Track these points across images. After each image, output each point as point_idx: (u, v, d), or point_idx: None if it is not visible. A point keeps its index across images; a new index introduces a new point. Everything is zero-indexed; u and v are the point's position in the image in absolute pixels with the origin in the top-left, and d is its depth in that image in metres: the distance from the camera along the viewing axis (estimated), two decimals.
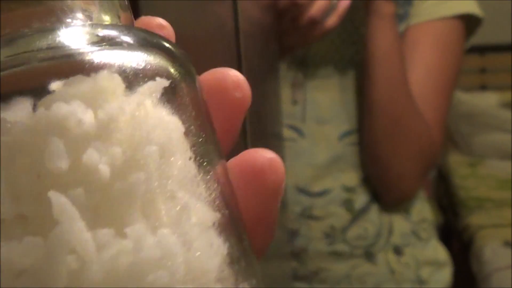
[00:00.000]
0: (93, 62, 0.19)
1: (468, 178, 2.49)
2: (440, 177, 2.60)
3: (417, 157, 1.08)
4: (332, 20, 1.00)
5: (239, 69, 0.70)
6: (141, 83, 0.20)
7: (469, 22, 1.10)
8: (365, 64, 1.05)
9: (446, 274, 1.16)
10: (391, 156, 1.07)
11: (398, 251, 1.12)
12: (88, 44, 0.20)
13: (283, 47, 1.05)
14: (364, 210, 1.11)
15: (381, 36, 1.02)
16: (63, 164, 0.18)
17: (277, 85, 1.08)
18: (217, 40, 0.71)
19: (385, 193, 1.11)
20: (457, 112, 2.63)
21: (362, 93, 1.08)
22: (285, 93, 1.10)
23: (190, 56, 0.22)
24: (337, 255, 1.10)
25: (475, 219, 2.19)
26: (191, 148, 0.21)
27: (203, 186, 0.21)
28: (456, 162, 2.62)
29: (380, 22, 1.02)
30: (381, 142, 1.07)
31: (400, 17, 1.08)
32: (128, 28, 0.22)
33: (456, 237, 2.21)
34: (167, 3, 0.68)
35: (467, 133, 2.70)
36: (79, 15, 0.21)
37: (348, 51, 1.10)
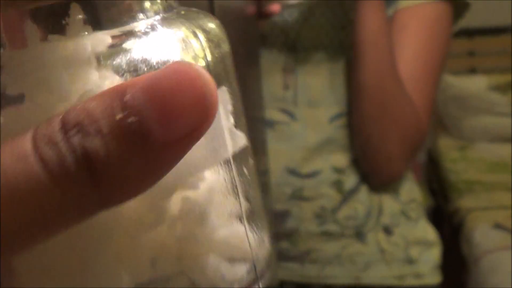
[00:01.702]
0: None
1: (458, 162, 2.51)
2: (430, 161, 2.61)
3: (405, 139, 1.09)
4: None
5: None
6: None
7: (458, 6, 1.11)
8: (354, 48, 1.06)
9: (435, 253, 1.17)
10: (379, 138, 1.08)
11: (387, 230, 1.13)
12: None
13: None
14: (353, 191, 1.12)
15: (369, 20, 1.03)
16: None
17: (258, 70, 1.09)
18: None
19: (373, 175, 1.13)
20: (446, 95, 2.64)
21: (351, 76, 1.09)
22: (277, 78, 1.11)
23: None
24: (328, 235, 1.12)
25: (465, 202, 2.21)
26: None
27: None
28: (446, 146, 2.64)
29: (368, 6, 1.03)
30: (369, 125, 1.08)
31: (389, 1, 1.09)
32: None
33: (446, 220, 2.22)
34: None
35: (456, 116, 2.71)
36: None
37: (338, 35, 1.11)
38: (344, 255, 1.12)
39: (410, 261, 1.14)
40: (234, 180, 0.23)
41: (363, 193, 1.13)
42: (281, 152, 1.10)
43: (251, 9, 0.99)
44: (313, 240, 1.12)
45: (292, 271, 1.12)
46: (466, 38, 2.87)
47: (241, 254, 0.22)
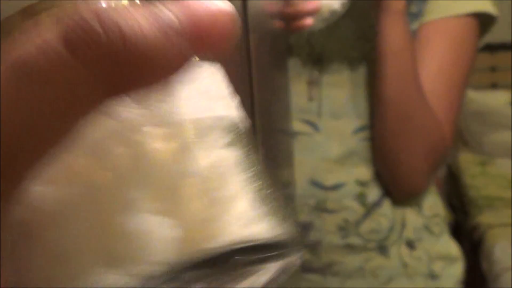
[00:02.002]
0: None
1: (478, 177, 2.49)
2: (450, 176, 2.60)
3: (427, 153, 1.09)
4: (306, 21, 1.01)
5: (249, 66, 0.71)
6: None
7: (483, 20, 1.11)
8: (376, 60, 1.06)
9: (458, 269, 1.17)
10: (400, 151, 1.08)
11: (410, 245, 1.13)
12: None
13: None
14: (377, 204, 1.12)
15: (392, 32, 1.03)
16: None
17: (286, 81, 1.09)
18: None
19: (395, 188, 1.12)
20: (467, 110, 2.63)
21: (373, 89, 1.09)
22: (301, 90, 1.11)
23: None
24: (351, 248, 1.11)
25: (485, 218, 2.20)
26: None
27: None
28: (466, 161, 2.62)
29: (391, 18, 1.03)
30: (390, 137, 1.08)
31: (414, 15, 1.09)
32: None
33: (466, 236, 2.21)
34: None
35: (477, 131, 2.70)
36: None
37: (363, 48, 1.11)
38: (366, 268, 1.11)
39: (433, 276, 1.14)
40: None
41: (387, 207, 1.12)
42: (304, 163, 1.10)
43: (279, 23, 0.99)
44: (335, 253, 1.11)
45: (314, 283, 1.12)
46: (487, 53, 2.86)
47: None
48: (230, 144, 0.23)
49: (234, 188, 0.22)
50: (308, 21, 0.99)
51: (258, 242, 0.21)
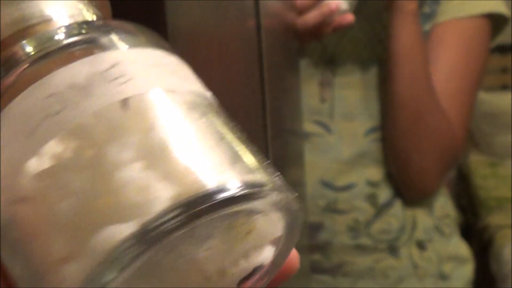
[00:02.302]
0: None
1: (488, 178, 2.48)
2: (460, 177, 2.59)
3: (438, 154, 1.09)
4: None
5: (260, 66, 0.71)
6: None
7: (496, 21, 1.11)
8: (388, 61, 1.06)
9: (468, 270, 1.16)
10: (411, 152, 1.08)
11: (421, 246, 1.13)
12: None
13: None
14: (388, 205, 1.12)
15: (403, 33, 1.03)
16: None
17: (297, 82, 1.09)
18: (238, 37, 0.72)
19: (406, 189, 1.12)
20: (478, 111, 2.60)
21: (385, 89, 1.09)
22: (313, 91, 1.11)
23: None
24: (361, 249, 1.11)
25: (495, 219, 2.18)
26: None
27: None
28: (477, 162, 2.61)
29: (402, 19, 1.03)
30: (402, 138, 1.08)
31: (427, 16, 1.09)
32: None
33: (475, 237, 2.20)
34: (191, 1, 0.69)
35: (488, 133, 2.68)
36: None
37: (376, 49, 1.11)
38: (376, 269, 1.11)
39: (443, 277, 1.14)
40: None
41: (397, 207, 1.12)
42: (315, 164, 1.10)
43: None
44: (346, 253, 1.11)
45: (324, 283, 1.12)
46: (498, 54, 2.84)
47: None
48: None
49: (210, 140, 0.23)
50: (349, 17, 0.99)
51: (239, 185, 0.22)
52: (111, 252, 0.20)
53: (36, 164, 0.21)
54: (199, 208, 0.21)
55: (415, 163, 1.09)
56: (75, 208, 0.21)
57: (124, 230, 0.20)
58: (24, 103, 0.22)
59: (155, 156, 0.22)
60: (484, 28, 1.09)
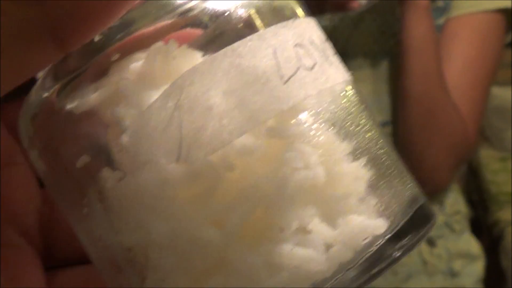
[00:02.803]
0: None
1: (499, 173, 2.46)
2: (471, 172, 2.57)
3: (451, 149, 1.08)
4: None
5: None
6: None
7: (509, 17, 1.10)
8: (400, 55, 1.05)
9: (478, 267, 1.16)
10: (424, 147, 1.07)
11: (431, 242, 1.12)
12: None
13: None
14: None
15: (416, 27, 1.02)
16: None
17: None
18: None
19: (418, 184, 1.11)
20: (489, 106, 2.59)
21: (397, 83, 1.08)
22: None
23: None
24: None
25: (505, 215, 2.17)
26: None
27: None
28: (487, 157, 2.59)
29: (415, 13, 1.02)
30: (414, 134, 1.07)
31: (441, 10, 1.08)
32: None
33: (486, 232, 2.19)
34: None
35: (498, 127, 2.66)
36: None
37: (388, 42, 1.10)
38: None
39: (453, 273, 1.13)
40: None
41: None
42: None
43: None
44: None
45: None
46: (510, 48, 2.83)
47: None
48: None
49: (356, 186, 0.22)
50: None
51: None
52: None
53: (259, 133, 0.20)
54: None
55: (427, 158, 1.08)
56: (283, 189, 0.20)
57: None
58: (273, 42, 0.21)
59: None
60: (499, 23, 1.08)
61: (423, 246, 1.11)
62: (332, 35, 1.09)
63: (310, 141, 0.21)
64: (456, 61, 1.06)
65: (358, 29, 1.09)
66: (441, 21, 1.08)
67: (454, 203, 1.15)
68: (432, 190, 1.12)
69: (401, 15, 1.04)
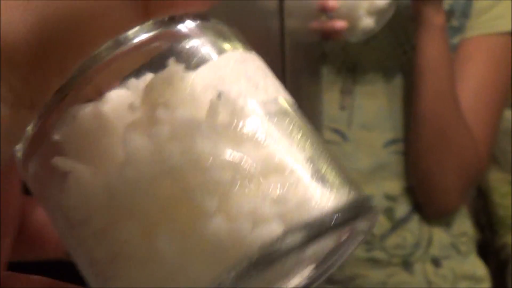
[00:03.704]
0: None
1: (508, 196, 2.45)
2: (479, 194, 2.56)
3: (462, 171, 1.07)
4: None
5: (283, 70, 0.70)
6: None
7: None
8: (414, 74, 1.05)
9: None
10: (435, 168, 1.07)
11: (436, 262, 1.11)
12: None
13: None
14: (404, 220, 1.10)
15: (431, 47, 1.02)
16: None
17: (319, 88, 1.08)
18: (261, 40, 0.71)
19: (427, 206, 1.11)
20: (499, 129, 2.59)
21: (410, 103, 1.08)
22: (334, 98, 1.10)
23: None
24: (375, 262, 1.10)
25: None
26: None
27: None
28: (496, 180, 2.58)
29: (430, 33, 1.01)
30: (426, 154, 1.06)
31: (455, 30, 1.07)
32: None
33: (493, 255, 2.18)
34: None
35: (508, 150, 2.65)
36: None
37: (399, 60, 1.09)
38: (389, 283, 1.10)
39: None
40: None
41: (414, 223, 1.10)
42: None
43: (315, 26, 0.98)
44: (359, 266, 1.10)
45: None
46: None
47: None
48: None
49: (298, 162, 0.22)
50: (339, 24, 0.99)
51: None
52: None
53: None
54: (360, 211, 0.21)
55: (438, 180, 1.07)
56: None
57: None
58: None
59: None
60: None
61: (428, 266, 1.11)
62: (345, 48, 1.09)
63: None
64: (470, 82, 1.06)
65: (370, 45, 1.09)
66: (455, 40, 1.08)
67: (461, 224, 1.14)
68: (442, 212, 1.12)
69: (416, 33, 1.04)
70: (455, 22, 1.08)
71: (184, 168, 0.20)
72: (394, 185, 1.10)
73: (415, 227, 1.10)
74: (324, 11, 1.00)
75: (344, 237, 0.23)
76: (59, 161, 0.21)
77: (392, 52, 1.10)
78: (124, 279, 0.20)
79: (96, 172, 0.21)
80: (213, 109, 0.21)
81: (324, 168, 0.22)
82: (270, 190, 0.20)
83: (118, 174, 0.20)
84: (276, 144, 0.21)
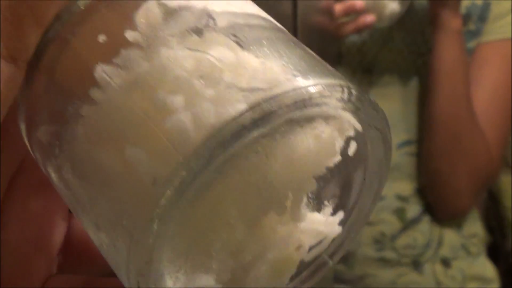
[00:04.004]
0: None
1: None
2: (490, 197, 2.55)
3: (475, 174, 1.08)
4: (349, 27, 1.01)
5: None
6: None
7: None
8: (429, 77, 1.05)
9: None
10: (449, 171, 1.07)
11: (446, 263, 1.12)
12: None
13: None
14: (415, 221, 1.11)
15: (447, 50, 1.02)
16: None
17: None
18: None
19: (439, 208, 1.11)
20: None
21: (424, 106, 1.08)
22: None
23: None
24: (385, 262, 1.10)
25: None
26: None
27: None
28: (508, 183, 2.57)
29: (447, 36, 1.02)
30: (439, 157, 1.07)
31: (472, 34, 1.08)
32: None
33: (503, 258, 2.17)
34: None
35: None
36: None
37: (415, 62, 1.10)
38: (399, 283, 1.10)
39: None
40: None
41: (425, 224, 1.11)
42: None
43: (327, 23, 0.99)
44: (369, 265, 1.11)
45: None
46: None
47: None
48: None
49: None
50: (369, 18, 0.99)
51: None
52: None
53: None
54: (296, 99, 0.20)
55: (450, 183, 1.08)
56: None
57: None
58: None
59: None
60: None
61: (437, 267, 1.11)
62: (361, 49, 1.10)
63: None
64: (485, 87, 1.06)
65: (387, 46, 1.10)
66: (471, 44, 1.08)
67: (472, 225, 1.15)
68: (453, 214, 1.12)
69: (432, 36, 1.04)
70: (472, 26, 1.08)
71: (149, 77, 0.21)
72: (405, 186, 1.11)
73: (426, 228, 1.11)
74: (354, 12, 1.01)
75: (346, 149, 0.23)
76: None
77: (408, 54, 1.10)
78: (104, 200, 0.21)
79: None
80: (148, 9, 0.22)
81: (291, 58, 0.22)
82: (232, 79, 0.20)
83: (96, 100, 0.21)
84: (240, 46, 0.21)
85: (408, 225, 1.10)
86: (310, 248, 0.24)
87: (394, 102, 1.11)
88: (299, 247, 0.24)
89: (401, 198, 1.10)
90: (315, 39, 0.94)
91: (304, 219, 0.24)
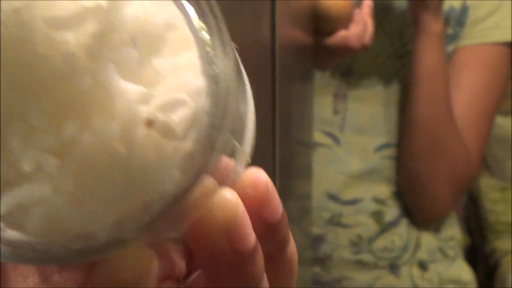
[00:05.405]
0: None
1: (498, 202, 2.46)
2: (470, 200, 2.57)
3: (452, 178, 1.08)
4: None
5: (273, 74, 0.70)
6: None
7: None
8: (409, 80, 1.06)
9: None
10: (426, 174, 1.07)
11: (423, 266, 1.12)
12: None
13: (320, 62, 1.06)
14: (393, 224, 1.11)
15: (427, 54, 1.02)
16: None
17: (311, 92, 1.09)
18: (252, 50, 0.71)
19: (417, 212, 1.11)
20: (492, 135, 2.59)
21: (404, 108, 1.09)
22: (327, 102, 1.11)
23: None
24: (362, 265, 1.10)
25: (502, 244, 2.16)
26: None
27: None
28: (487, 186, 2.59)
29: (427, 40, 1.02)
30: (417, 160, 1.07)
31: (450, 38, 1.08)
32: None
33: (482, 260, 2.19)
34: None
35: (500, 157, 2.65)
36: None
37: (393, 65, 1.10)
38: (376, 286, 1.11)
39: None
40: None
41: (402, 227, 1.11)
42: (322, 176, 1.10)
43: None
44: (346, 268, 1.11)
45: None
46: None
47: None
48: None
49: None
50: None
51: None
52: None
53: None
54: None
55: (429, 187, 1.08)
56: None
57: None
58: None
59: None
60: (507, 56, 1.08)
61: (414, 270, 1.12)
62: None
63: None
64: (464, 90, 1.07)
65: None
66: (449, 48, 1.08)
67: (449, 229, 1.15)
68: (431, 218, 1.12)
69: (413, 40, 1.04)
70: (449, 30, 1.08)
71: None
72: (384, 189, 1.11)
73: (403, 231, 1.11)
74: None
75: None
76: None
77: (387, 57, 1.10)
78: None
79: None
80: None
81: None
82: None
83: None
84: None
85: (385, 228, 1.11)
86: None
87: (373, 105, 1.11)
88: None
89: (379, 201, 1.11)
90: (294, 43, 0.94)
91: None
